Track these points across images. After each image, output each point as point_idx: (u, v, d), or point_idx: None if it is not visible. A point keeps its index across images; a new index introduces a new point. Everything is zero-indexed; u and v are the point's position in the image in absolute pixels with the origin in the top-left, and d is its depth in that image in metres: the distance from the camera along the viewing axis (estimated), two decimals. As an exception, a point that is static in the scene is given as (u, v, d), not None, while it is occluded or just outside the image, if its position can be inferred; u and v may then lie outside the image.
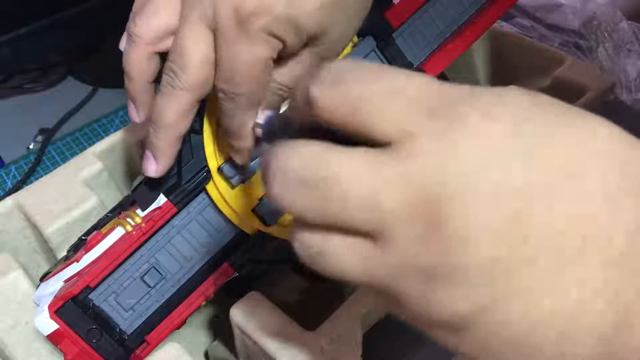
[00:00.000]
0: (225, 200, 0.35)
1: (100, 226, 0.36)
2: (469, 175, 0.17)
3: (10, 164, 0.60)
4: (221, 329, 0.44)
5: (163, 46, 0.31)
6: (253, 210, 0.35)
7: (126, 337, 0.34)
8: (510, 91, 0.19)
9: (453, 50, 0.40)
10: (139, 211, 0.35)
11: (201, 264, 0.35)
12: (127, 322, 0.34)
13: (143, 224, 0.34)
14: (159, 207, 0.34)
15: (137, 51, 0.31)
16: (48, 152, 0.61)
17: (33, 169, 0.59)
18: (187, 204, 0.35)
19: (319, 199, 0.18)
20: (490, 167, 0.17)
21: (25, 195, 0.41)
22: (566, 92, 0.45)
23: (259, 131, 0.33)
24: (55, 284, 0.34)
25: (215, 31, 0.29)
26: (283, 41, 0.29)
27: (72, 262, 0.34)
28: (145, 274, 0.34)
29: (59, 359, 0.35)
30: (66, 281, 0.34)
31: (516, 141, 0.17)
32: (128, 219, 0.34)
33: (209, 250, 0.35)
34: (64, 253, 0.38)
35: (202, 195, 0.35)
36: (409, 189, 0.17)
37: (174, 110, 0.31)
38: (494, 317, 0.17)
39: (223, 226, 0.36)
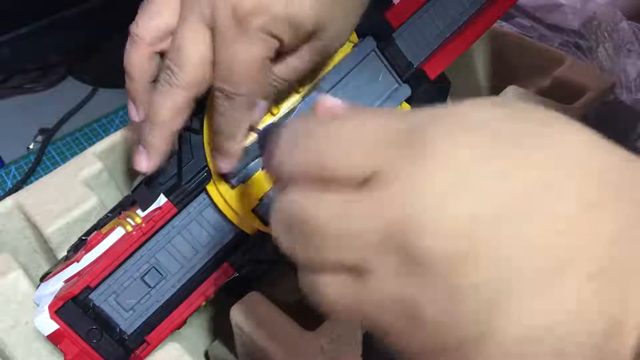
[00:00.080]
0: (225, 201, 0.35)
1: (100, 226, 0.36)
2: (431, 206, 0.17)
3: (10, 164, 0.60)
4: (221, 329, 0.44)
5: (164, 46, 0.31)
6: (253, 210, 0.35)
7: (126, 337, 0.34)
8: (479, 109, 0.19)
9: (453, 50, 0.40)
10: (139, 211, 0.35)
11: (201, 264, 0.35)
12: (127, 322, 0.34)
13: (143, 224, 0.34)
14: (159, 207, 0.34)
15: (138, 51, 0.31)
16: (48, 152, 0.61)
17: (33, 169, 0.59)
18: (188, 204, 0.35)
19: (303, 242, 0.19)
20: (454, 195, 0.17)
21: (25, 195, 0.41)
22: (566, 92, 0.45)
23: (255, 137, 0.34)
24: (56, 284, 0.34)
25: (213, 30, 0.29)
26: (281, 40, 0.29)
27: (72, 262, 0.34)
28: (145, 274, 0.34)
29: (59, 359, 0.35)
30: (66, 281, 0.34)
31: (484, 166, 0.17)
32: (128, 219, 0.34)
33: (209, 250, 0.35)
34: (64, 253, 0.38)
35: (203, 196, 0.35)
36: (380, 223, 0.18)
37: (169, 108, 0.31)
38: (483, 344, 0.17)
39: (223, 226, 0.36)
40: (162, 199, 0.34)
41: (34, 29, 0.61)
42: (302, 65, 0.32)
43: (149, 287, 0.34)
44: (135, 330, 0.34)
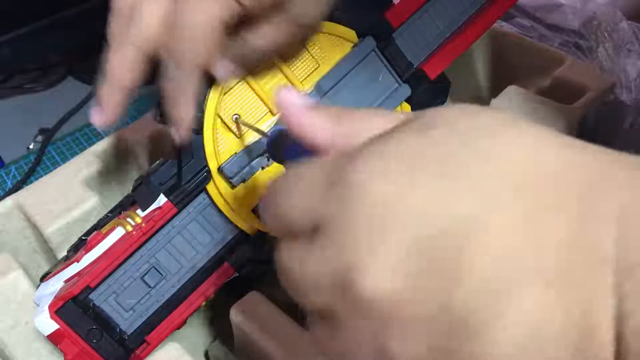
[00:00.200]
0: (225, 200, 0.35)
1: (100, 226, 0.36)
2: (362, 249, 0.17)
3: (10, 164, 0.60)
4: (221, 329, 0.44)
5: (151, 49, 0.31)
6: (253, 211, 0.35)
7: (126, 337, 0.34)
8: (404, 137, 0.19)
9: (453, 50, 0.40)
10: (139, 211, 0.35)
11: (201, 264, 0.35)
12: (128, 322, 0.34)
13: (143, 224, 0.34)
14: (159, 207, 0.34)
15: (123, 54, 0.31)
16: (48, 152, 0.61)
17: (33, 169, 0.59)
18: (188, 204, 0.35)
19: (288, 287, 0.21)
20: (380, 236, 0.17)
21: (25, 195, 0.41)
22: (566, 92, 0.45)
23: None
24: (56, 284, 0.34)
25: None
26: (242, 4, 0.29)
27: (72, 262, 0.34)
28: (145, 274, 0.34)
29: (59, 359, 0.35)
30: (66, 281, 0.34)
31: (405, 199, 0.17)
32: (128, 219, 0.34)
33: (209, 250, 0.35)
34: (64, 253, 0.38)
35: (203, 196, 0.35)
36: (327, 268, 0.18)
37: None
38: None
39: (223, 226, 0.36)
40: (162, 199, 0.34)
41: (34, 29, 0.61)
42: (275, 35, 0.31)
43: (149, 287, 0.34)
44: (135, 330, 0.34)
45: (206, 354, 0.43)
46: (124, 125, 0.47)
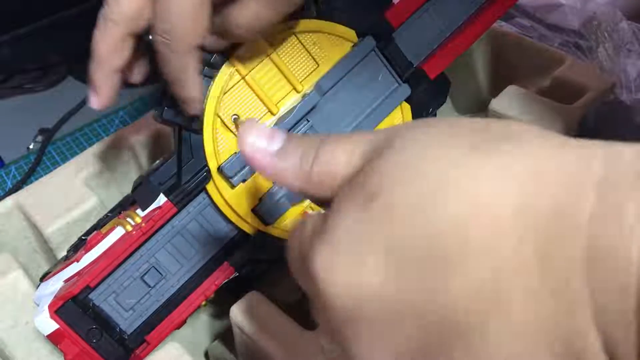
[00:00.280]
0: (225, 200, 0.35)
1: (100, 226, 0.36)
2: (339, 274, 0.18)
3: (10, 164, 0.60)
4: (221, 329, 0.44)
5: (139, 28, 0.31)
6: (253, 210, 0.35)
7: (126, 337, 0.34)
8: (365, 199, 0.19)
9: (453, 50, 0.40)
10: (139, 211, 0.35)
11: (201, 264, 0.35)
12: (127, 322, 0.34)
13: (143, 224, 0.34)
14: (159, 207, 0.34)
15: (110, 34, 0.31)
16: (48, 152, 0.61)
17: (33, 169, 0.59)
18: (187, 203, 0.35)
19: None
20: (336, 268, 0.18)
21: (25, 195, 0.41)
22: (566, 92, 0.45)
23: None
24: (55, 284, 0.34)
25: None
26: None
27: (72, 262, 0.34)
28: (145, 273, 0.34)
29: (59, 359, 0.35)
30: (66, 281, 0.34)
31: (373, 224, 0.18)
32: (128, 219, 0.34)
33: (209, 250, 0.35)
34: (64, 253, 0.38)
35: (202, 195, 0.35)
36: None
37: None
38: None
39: (223, 226, 0.36)
40: (162, 199, 0.34)
41: (34, 29, 0.61)
42: (265, 12, 0.30)
43: (149, 286, 0.34)
44: (135, 330, 0.34)
45: (206, 354, 0.43)
46: (123, 126, 0.47)
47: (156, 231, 0.34)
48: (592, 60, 0.51)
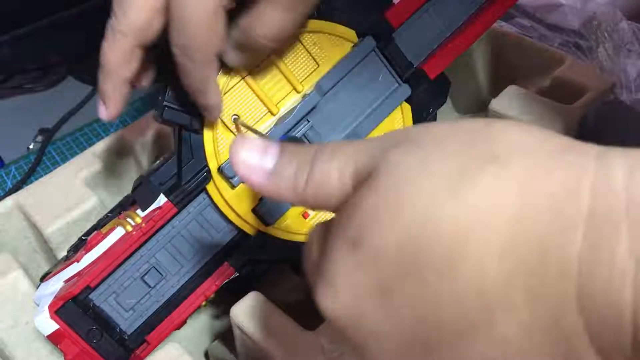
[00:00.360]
0: (225, 200, 0.35)
1: (100, 226, 0.36)
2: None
3: (10, 164, 0.60)
4: (221, 329, 0.44)
5: (147, 39, 0.30)
6: (253, 210, 0.35)
7: (126, 337, 0.34)
8: (353, 242, 0.19)
9: (453, 50, 0.40)
10: (139, 211, 0.35)
11: (201, 264, 0.35)
12: (128, 322, 0.34)
13: (143, 224, 0.34)
14: (159, 207, 0.34)
15: (118, 45, 0.30)
16: (48, 152, 0.61)
17: (33, 169, 0.59)
18: (188, 204, 0.35)
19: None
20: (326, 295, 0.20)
21: (25, 195, 0.41)
22: (566, 92, 0.45)
23: None
24: (56, 284, 0.34)
25: None
26: None
27: (72, 262, 0.34)
28: (145, 274, 0.34)
29: (59, 359, 0.35)
30: (66, 281, 0.34)
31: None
32: (128, 219, 0.34)
33: (209, 250, 0.35)
34: (64, 253, 0.38)
35: (203, 195, 0.35)
36: None
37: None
38: None
39: (223, 226, 0.36)
40: (162, 199, 0.34)
41: (34, 29, 0.61)
42: (287, 18, 0.30)
43: (149, 287, 0.34)
44: (135, 330, 0.34)
45: (206, 354, 0.43)
46: (123, 126, 0.47)
47: (156, 231, 0.34)
48: (592, 60, 0.51)
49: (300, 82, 0.36)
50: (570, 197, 0.16)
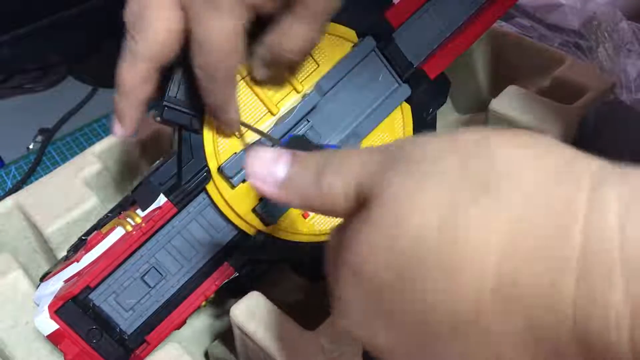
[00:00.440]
0: (225, 200, 0.35)
1: (100, 226, 0.36)
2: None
3: (10, 164, 0.60)
4: (221, 329, 0.44)
5: (165, 60, 0.31)
6: (253, 210, 0.35)
7: (126, 337, 0.34)
8: (357, 271, 0.20)
9: (453, 50, 0.40)
10: (139, 211, 0.35)
11: (201, 264, 0.35)
12: (127, 322, 0.34)
13: (143, 224, 0.34)
14: (159, 207, 0.34)
15: (135, 67, 0.31)
16: (48, 152, 0.61)
17: (33, 169, 0.59)
18: (187, 204, 0.35)
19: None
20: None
21: (25, 195, 0.41)
22: (566, 92, 0.45)
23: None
24: (55, 284, 0.34)
25: (185, 9, 0.29)
26: (256, 6, 0.29)
27: (72, 262, 0.34)
28: (145, 274, 0.34)
29: (59, 359, 0.35)
30: (66, 281, 0.34)
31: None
32: (128, 219, 0.34)
33: (209, 250, 0.35)
34: (64, 253, 0.38)
35: (202, 195, 0.35)
36: None
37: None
38: None
39: (223, 226, 0.36)
40: (162, 199, 0.34)
41: (34, 29, 0.61)
42: (311, 30, 0.30)
43: (149, 287, 0.34)
44: (135, 330, 0.34)
45: (206, 354, 0.43)
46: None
47: (156, 231, 0.34)
48: (592, 60, 0.51)
49: (300, 82, 0.36)
50: (562, 237, 0.16)
